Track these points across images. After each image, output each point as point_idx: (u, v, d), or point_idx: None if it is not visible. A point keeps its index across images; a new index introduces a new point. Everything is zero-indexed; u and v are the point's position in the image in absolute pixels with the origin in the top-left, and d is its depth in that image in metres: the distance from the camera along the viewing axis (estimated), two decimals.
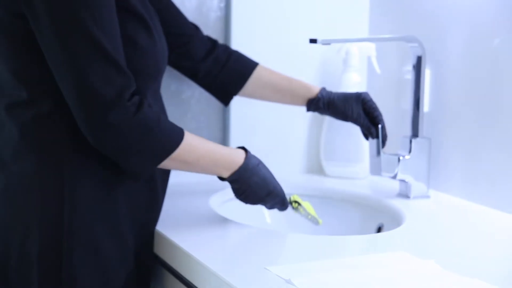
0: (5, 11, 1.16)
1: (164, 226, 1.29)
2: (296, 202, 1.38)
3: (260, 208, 1.42)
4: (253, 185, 1.28)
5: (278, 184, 1.32)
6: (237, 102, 1.61)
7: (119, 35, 1.15)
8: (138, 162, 1.18)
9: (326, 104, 1.48)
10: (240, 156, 1.27)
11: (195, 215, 1.37)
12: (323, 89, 1.50)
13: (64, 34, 1.10)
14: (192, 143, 1.22)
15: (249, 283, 1.04)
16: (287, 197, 1.35)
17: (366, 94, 1.48)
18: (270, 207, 1.33)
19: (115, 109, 1.12)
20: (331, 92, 1.49)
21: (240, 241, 1.29)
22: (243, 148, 1.29)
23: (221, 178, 1.29)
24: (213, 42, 1.52)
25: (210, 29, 1.65)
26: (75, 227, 1.16)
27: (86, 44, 1.11)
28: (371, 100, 1.47)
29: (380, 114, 1.46)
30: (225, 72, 1.51)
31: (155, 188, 1.27)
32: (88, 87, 1.11)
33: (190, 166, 1.24)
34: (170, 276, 1.25)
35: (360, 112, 1.46)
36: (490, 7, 1.43)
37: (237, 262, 1.13)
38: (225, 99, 1.55)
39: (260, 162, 1.29)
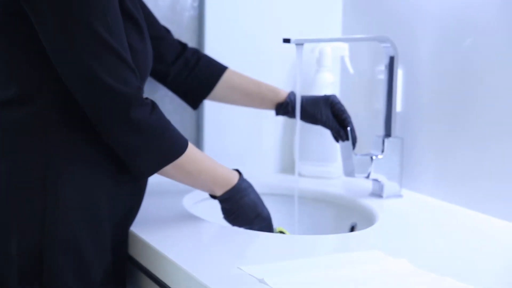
0: (1, 10, 1.15)
1: (138, 226, 1.28)
2: (281, 232, 1.40)
3: None
4: (244, 205, 1.31)
5: (266, 209, 1.35)
6: (210, 102, 1.60)
7: (125, 37, 1.17)
8: (146, 161, 1.19)
9: (294, 108, 1.48)
10: (234, 177, 1.31)
11: (168, 215, 1.37)
12: (292, 93, 1.51)
13: (74, 39, 1.11)
14: (196, 154, 1.26)
15: (222, 283, 1.03)
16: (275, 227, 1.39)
17: (334, 96, 1.48)
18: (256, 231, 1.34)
19: (137, 106, 1.15)
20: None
21: (213, 240, 1.29)
22: (236, 170, 1.33)
23: (212, 196, 1.32)
24: (183, 45, 1.52)
25: (183, 28, 1.64)
26: (56, 226, 1.15)
27: (98, 46, 1.12)
28: (339, 103, 1.48)
29: (348, 116, 1.47)
30: (194, 76, 1.51)
31: (137, 189, 1.27)
32: (107, 86, 1.12)
33: (191, 177, 1.26)
34: (144, 277, 1.25)
35: (329, 115, 1.46)
36: (461, 7, 1.44)
37: (211, 262, 1.13)
38: (194, 103, 1.55)
39: (250, 186, 1.33)
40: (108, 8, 1.13)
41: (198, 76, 1.51)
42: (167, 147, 1.20)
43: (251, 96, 1.53)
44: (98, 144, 1.19)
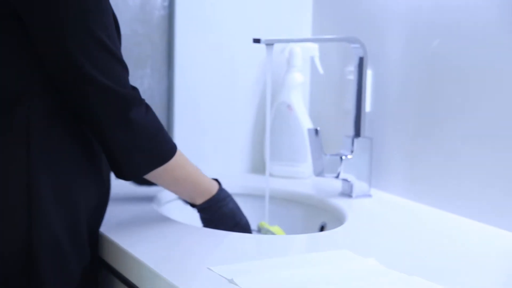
0: None
1: (107, 227, 1.27)
2: (265, 228, 1.40)
3: None
4: (223, 215, 1.31)
5: (245, 217, 1.35)
6: (180, 101, 1.60)
7: (117, 39, 1.17)
8: (140, 162, 1.19)
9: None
10: (215, 187, 1.31)
11: (137, 215, 1.36)
12: None
13: (74, 43, 1.11)
14: (184, 159, 1.26)
15: (192, 283, 1.03)
16: (256, 224, 1.40)
17: None
18: None
19: (135, 106, 1.15)
20: None
21: (183, 241, 1.29)
22: (216, 180, 1.33)
23: (191, 205, 1.32)
24: None
25: (154, 27, 1.64)
26: (38, 228, 1.13)
27: (97, 49, 1.12)
28: None
29: None
30: None
31: (105, 188, 1.26)
32: (107, 87, 1.13)
33: (176, 183, 1.26)
34: (113, 278, 1.24)
35: None
36: (429, 9, 1.46)
37: (180, 263, 1.12)
38: None
39: (229, 195, 1.33)
40: (104, 12, 1.13)
41: None
42: (160, 148, 1.20)
43: None
44: (79, 144, 1.18)
